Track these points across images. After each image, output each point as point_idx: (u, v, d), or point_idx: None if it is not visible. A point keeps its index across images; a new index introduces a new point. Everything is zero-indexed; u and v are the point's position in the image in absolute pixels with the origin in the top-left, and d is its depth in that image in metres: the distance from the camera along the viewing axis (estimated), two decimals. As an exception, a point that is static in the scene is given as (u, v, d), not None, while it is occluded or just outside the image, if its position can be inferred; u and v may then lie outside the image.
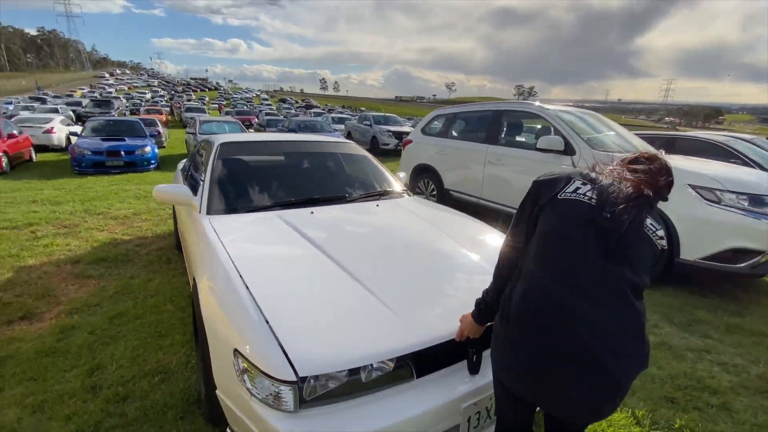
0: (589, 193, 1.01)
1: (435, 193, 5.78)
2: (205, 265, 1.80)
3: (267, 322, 1.31)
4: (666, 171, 1.03)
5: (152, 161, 9.32)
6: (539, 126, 4.86)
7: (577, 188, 1.03)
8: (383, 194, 2.84)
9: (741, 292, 3.49)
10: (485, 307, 1.26)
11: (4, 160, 8.29)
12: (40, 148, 11.10)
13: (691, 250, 3.14)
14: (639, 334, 0.96)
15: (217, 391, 1.47)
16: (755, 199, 3.05)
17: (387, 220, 2.40)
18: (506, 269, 1.17)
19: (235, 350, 1.31)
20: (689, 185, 3.16)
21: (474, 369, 1.44)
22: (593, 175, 1.06)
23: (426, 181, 5.94)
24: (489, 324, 1.32)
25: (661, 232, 1.01)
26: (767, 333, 2.75)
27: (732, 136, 6.54)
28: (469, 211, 5.35)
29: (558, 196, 1.04)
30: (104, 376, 2.02)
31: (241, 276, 1.54)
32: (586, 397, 0.95)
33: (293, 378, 1.18)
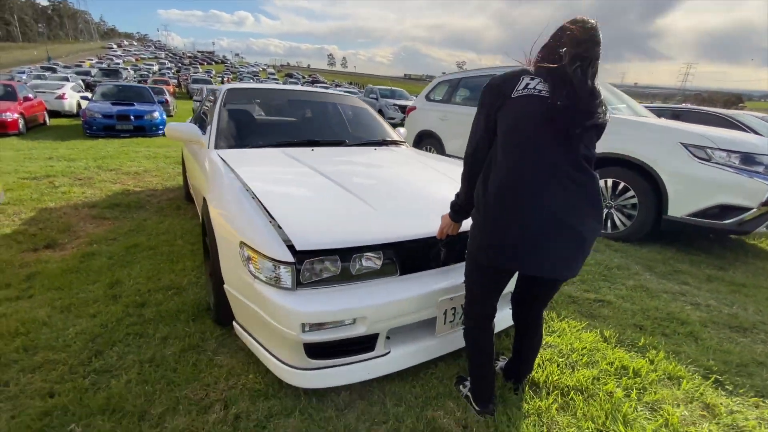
0: (539, 86, 1.14)
1: (437, 159, 5.88)
2: (213, 183, 1.97)
3: (268, 213, 1.49)
4: (590, 32, 1.10)
5: (161, 126, 9.47)
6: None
7: (527, 84, 1.16)
8: (381, 143, 2.97)
9: (727, 251, 3.62)
10: (459, 208, 1.42)
11: (21, 121, 8.49)
12: (53, 114, 11.28)
13: (680, 207, 3.25)
14: (596, 199, 1.17)
15: (225, 286, 1.66)
16: (747, 158, 3.13)
17: (381, 160, 2.55)
18: (476, 167, 1.31)
19: (241, 242, 1.48)
20: (681, 143, 3.24)
21: (445, 262, 1.64)
22: (540, 69, 1.18)
23: (428, 147, 6.03)
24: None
25: (603, 110, 1.14)
26: (746, 284, 2.89)
27: (743, 113, 6.48)
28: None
29: (512, 96, 1.17)
30: (123, 289, 2.24)
31: (244, 183, 1.72)
32: (561, 256, 1.18)
33: (291, 259, 1.35)
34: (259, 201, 1.58)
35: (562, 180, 1.12)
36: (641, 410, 1.55)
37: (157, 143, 8.35)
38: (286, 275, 1.37)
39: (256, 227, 1.48)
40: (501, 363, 1.70)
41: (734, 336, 2.20)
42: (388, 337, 1.57)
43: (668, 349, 1.97)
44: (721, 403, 1.60)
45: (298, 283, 1.39)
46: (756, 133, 5.58)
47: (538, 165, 1.13)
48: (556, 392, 1.61)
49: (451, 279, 1.59)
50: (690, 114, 6.29)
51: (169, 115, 13.18)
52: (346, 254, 1.43)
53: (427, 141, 6.04)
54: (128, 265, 2.55)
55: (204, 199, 2.06)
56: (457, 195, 1.43)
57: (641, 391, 1.66)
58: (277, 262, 1.36)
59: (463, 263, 1.65)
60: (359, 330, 1.39)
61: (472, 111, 4.73)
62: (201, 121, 3.48)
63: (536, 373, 1.70)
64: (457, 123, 5.47)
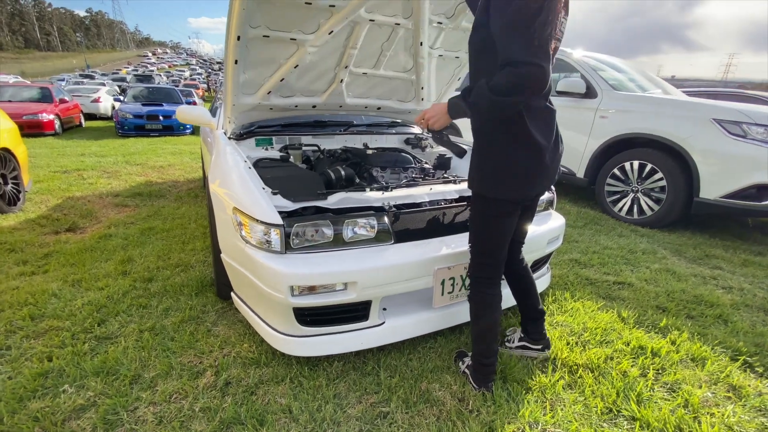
0: None
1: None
2: (216, 159, 1.98)
3: (263, 181, 1.48)
4: None
5: (188, 126, 9.80)
6: (561, 74, 4.69)
7: None
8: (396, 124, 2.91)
9: (765, 236, 3.32)
10: (474, 102, 1.13)
11: (57, 122, 9.00)
12: (89, 117, 11.93)
13: (712, 189, 3.01)
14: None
15: (222, 255, 1.66)
16: (788, 134, 2.86)
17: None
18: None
19: (234, 208, 1.47)
20: (714, 120, 3.00)
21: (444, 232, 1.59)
22: None
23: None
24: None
25: None
26: (786, 270, 2.64)
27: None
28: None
29: None
30: (134, 266, 2.29)
31: (242, 155, 1.72)
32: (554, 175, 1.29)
33: (279, 221, 1.32)
34: (256, 171, 1.57)
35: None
36: (658, 390, 1.42)
37: (183, 141, 8.65)
38: (275, 238, 1.34)
39: (249, 192, 1.46)
40: (515, 341, 1.60)
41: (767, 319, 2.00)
42: (384, 309, 1.53)
43: (693, 331, 1.82)
44: (749, 385, 1.45)
45: (289, 247, 1.36)
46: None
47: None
48: (563, 370, 1.51)
49: (450, 248, 1.52)
50: (726, 95, 5.88)
51: (195, 116, 13.64)
52: (338, 217, 1.40)
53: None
54: (141, 246, 2.62)
55: (208, 177, 2.08)
56: (488, 87, 1.06)
57: (659, 371, 1.53)
58: (267, 225, 1.34)
59: (463, 233, 1.59)
60: (350, 296, 1.34)
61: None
62: (214, 113, 3.55)
63: (543, 350, 1.60)
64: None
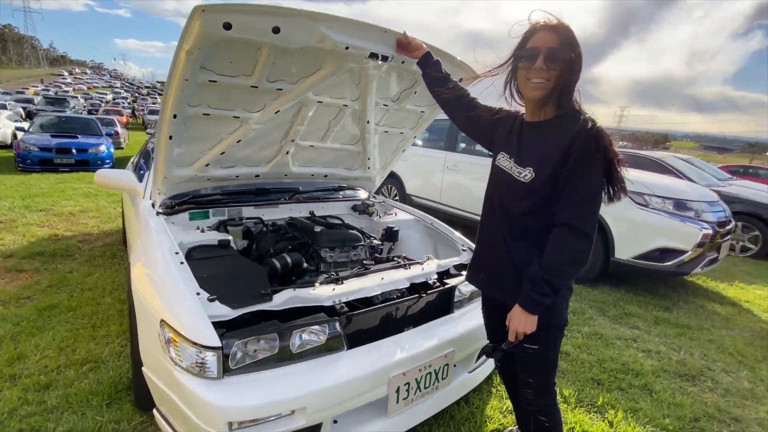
0: None
1: (397, 198, 5.89)
2: (141, 241, 1.76)
3: (198, 282, 1.33)
4: None
5: (107, 161, 8.88)
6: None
7: None
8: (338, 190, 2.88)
9: (671, 290, 3.79)
10: (554, 288, 1.14)
11: (-64, 153, 7.63)
12: (-18, 145, 10.33)
13: (625, 250, 3.39)
14: None
15: (143, 368, 1.43)
16: (679, 204, 3.36)
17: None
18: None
19: (162, 321, 1.29)
20: (623, 190, 3.43)
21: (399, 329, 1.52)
22: None
23: (389, 187, 6.05)
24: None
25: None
26: (690, 326, 3.00)
27: (671, 155, 7.14)
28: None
29: None
30: (26, 366, 1.90)
31: (173, 246, 1.54)
32: None
33: (218, 343, 1.18)
34: (190, 266, 1.41)
35: None
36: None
37: (99, 179, 7.78)
38: (212, 361, 1.18)
39: (181, 301, 1.30)
40: None
41: (685, 386, 2.22)
42: (335, 422, 1.41)
43: (626, 407, 1.94)
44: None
45: (227, 370, 1.21)
46: (682, 174, 6.12)
47: None
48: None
49: (404, 350, 1.47)
50: (627, 157, 6.82)
51: (118, 148, 12.44)
52: (285, 327, 1.30)
53: (387, 181, 6.05)
54: (38, 333, 2.20)
55: (130, 260, 1.84)
56: (561, 271, 1.12)
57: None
58: (202, 347, 1.18)
59: (416, 328, 1.56)
60: (298, 423, 1.22)
61: (429, 152, 4.75)
62: (146, 156, 3.23)
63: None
64: (416, 164, 5.56)
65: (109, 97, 44.27)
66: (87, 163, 8.51)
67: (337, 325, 1.39)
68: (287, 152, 2.28)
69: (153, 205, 2.04)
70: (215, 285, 1.42)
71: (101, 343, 2.14)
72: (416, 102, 2.28)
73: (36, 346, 2.07)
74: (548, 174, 1.13)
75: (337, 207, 2.69)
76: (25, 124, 10.94)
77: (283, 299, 1.43)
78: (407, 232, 2.54)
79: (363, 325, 1.49)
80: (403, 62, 1.76)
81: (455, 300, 1.82)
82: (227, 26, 1.31)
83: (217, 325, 1.23)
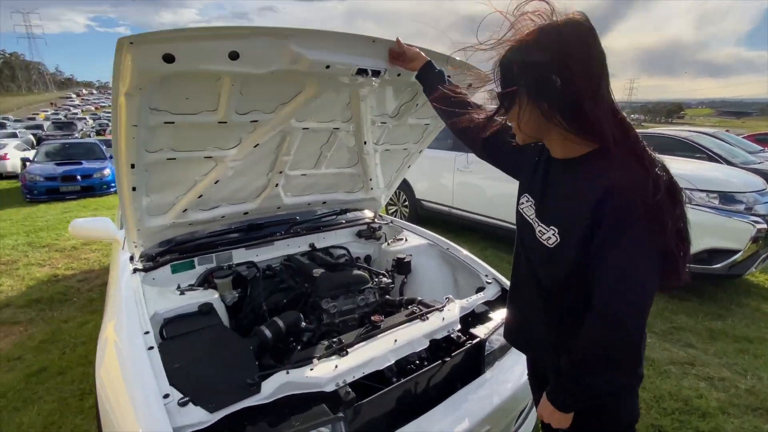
0: None
1: (407, 204, 5.59)
2: (111, 313, 1.51)
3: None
4: None
5: (112, 184, 8.81)
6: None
7: None
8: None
9: (720, 292, 3.39)
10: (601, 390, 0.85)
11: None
12: (-6, 177, 10.43)
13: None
14: None
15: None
16: (726, 197, 2.96)
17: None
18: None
19: (121, 438, 1.03)
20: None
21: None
22: None
23: (398, 192, 5.74)
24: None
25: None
26: (750, 338, 2.63)
27: (695, 131, 6.62)
28: (440, 220, 5.13)
29: None
30: (2, 456, 1.69)
31: (143, 325, 1.28)
32: None
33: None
34: (163, 350, 1.15)
35: None
36: None
37: (106, 204, 7.72)
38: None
39: (145, 408, 1.03)
40: None
41: (759, 424, 1.88)
42: None
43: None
44: None
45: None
46: (713, 153, 5.61)
47: None
48: None
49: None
50: (648, 139, 6.34)
51: (124, 168, 12.46)
52: (276, 426, 1.03)
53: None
54: (22, 408, 2.00)
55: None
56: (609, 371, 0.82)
57: None
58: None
59: (441, 405, 1.28)
60: None
61: (437, 153, 4.38)
62: None
63: None
64: (425, 166, 5.23)
65: (117, 115, 44.81)
66: (92, 189, 8.47)
67: (342, 425, 1.10)
68: (276, 184, 2.00)
69: (132, 258, 1.80)
70: (190, 377, 1.16)
71: (89, 415, 1.93)
72: (419, 115, 1.97)
73: (18, 425, 1.87)
74: (578, 238, 0.80)
75: (340, 235, 2.41)
76: (30, 153, 10.99)
77: (273, 388, 1.16)
78: (420, 260, 2.24)
79: (375, 412, 1.21)
80: (399, 75, 1.47)
81: (486, 353, 1.52)
82: (168, 59, 1.03)
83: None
